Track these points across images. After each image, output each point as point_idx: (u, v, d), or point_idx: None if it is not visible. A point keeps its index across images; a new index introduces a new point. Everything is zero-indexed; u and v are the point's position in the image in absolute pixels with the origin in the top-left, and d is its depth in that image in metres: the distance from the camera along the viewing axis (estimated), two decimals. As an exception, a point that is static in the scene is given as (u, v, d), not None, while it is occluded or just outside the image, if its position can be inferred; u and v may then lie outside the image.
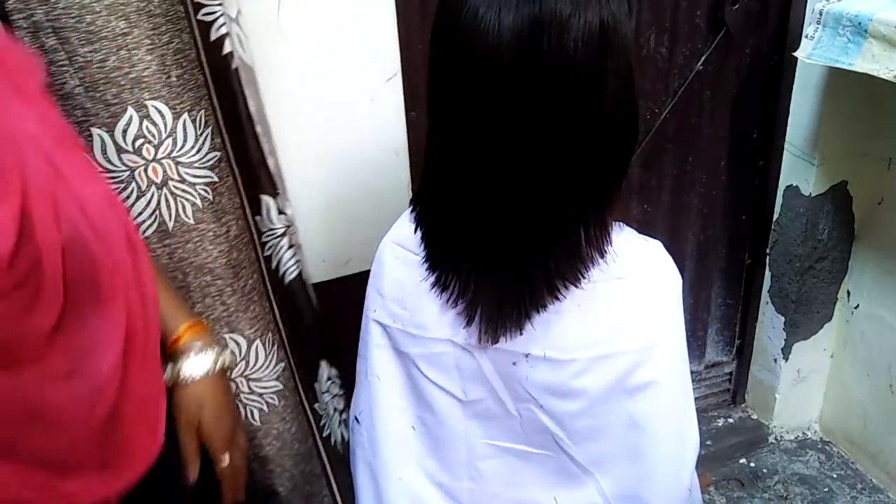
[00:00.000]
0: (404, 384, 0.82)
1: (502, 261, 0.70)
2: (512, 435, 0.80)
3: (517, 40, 0.59)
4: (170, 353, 0.81)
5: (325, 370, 1.21)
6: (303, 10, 1.06)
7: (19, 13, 0.79)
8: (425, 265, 0.76)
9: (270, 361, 1.11)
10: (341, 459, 1.25)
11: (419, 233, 0.76)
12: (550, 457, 0.79)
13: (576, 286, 0.70)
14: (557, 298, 0.70)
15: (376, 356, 0.82)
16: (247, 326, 1.06)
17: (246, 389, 1.11)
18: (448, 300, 0.74)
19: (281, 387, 1.13)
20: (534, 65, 0.60)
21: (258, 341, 1.08)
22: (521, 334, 0.72)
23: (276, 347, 1.10)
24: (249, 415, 1.12)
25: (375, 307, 0.82)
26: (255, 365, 1.09)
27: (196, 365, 0.81)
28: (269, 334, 1.09)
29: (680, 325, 0.76)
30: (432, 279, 0.75)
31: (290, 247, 1.06)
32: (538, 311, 0.71)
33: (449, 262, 0.74)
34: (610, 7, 0.61)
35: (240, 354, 1.07)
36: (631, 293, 0.72)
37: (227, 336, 1.05)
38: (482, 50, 0.61)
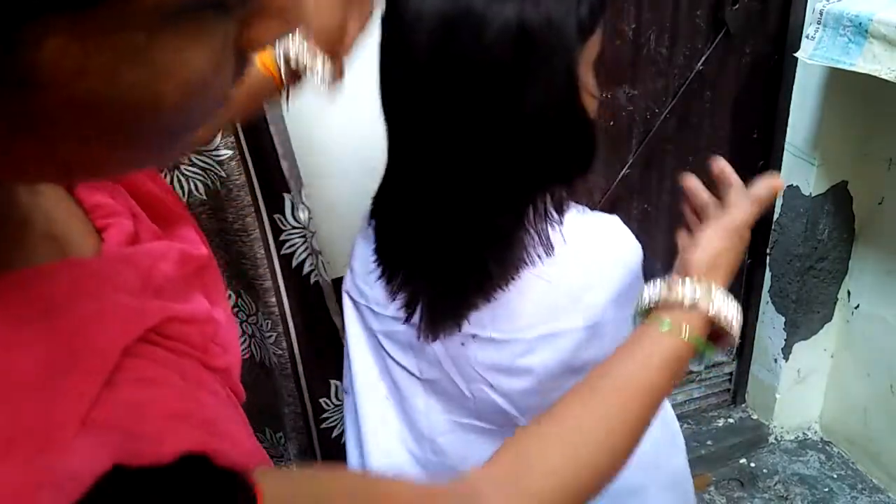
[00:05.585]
0: (374, 359, 0.84)
1: (437, 260, 0.70)
2: (468, 412, 0.81)
3: (432, 35, 0.59)
4: None
5: None
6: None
7: None
8: (373, 256, 0.77)
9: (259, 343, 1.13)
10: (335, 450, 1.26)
11: (373, 223, 0.77)
12: (506, 433, 0.79)
13: (509, 286, 0.69)
14: (489, 300, 0.70)
15: (351, 332, 0.84)
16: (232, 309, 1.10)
17: None
18: (389, 293, 0.75)
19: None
20: (448, 61, 0.59)
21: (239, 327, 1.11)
22: (459, 330, 0.73)
23: (272, 335, 1.13)
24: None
25: (348, 282, 0.84)
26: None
27: None
28: (267, 322, 1.11)
29: (633, 299, 0.75)
30: (378, 271, 0.76)
31: (311, 251, 1.10)
32: (473, 310, 0.71)
33: (392, 257, 0.75)
34: (538, 7, 0.58)
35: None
36: (575, 272, 0.71)
37: None
38: (403, 42, 0.61)
